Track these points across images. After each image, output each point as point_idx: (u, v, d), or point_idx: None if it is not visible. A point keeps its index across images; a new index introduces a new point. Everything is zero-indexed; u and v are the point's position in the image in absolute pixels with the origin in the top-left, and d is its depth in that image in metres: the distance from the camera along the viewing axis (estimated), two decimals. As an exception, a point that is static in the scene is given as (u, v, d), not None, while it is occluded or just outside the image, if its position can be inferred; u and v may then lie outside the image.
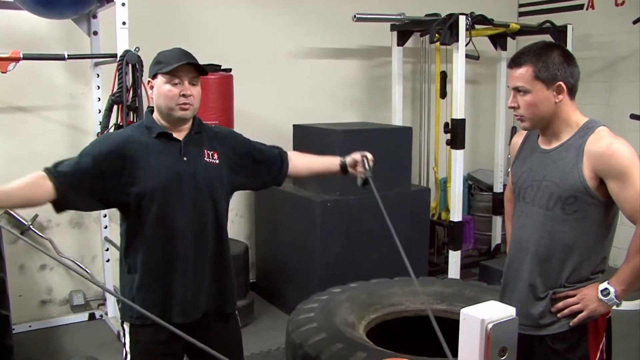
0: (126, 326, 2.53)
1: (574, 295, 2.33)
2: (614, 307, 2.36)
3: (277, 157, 2.77)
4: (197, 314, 2.51)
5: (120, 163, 2.36)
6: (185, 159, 2.46)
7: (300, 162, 2.86)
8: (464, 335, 1.16)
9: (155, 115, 2.50)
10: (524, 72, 2.26)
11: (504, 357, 1.15)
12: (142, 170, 2.38)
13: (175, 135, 2.48)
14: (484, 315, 1.14)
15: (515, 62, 2.30)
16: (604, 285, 2.28)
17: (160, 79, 2.41)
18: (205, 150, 2.53)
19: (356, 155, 2.76)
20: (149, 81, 2.48)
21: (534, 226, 2.38)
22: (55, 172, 2.26)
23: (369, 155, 2.77)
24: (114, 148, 2.38)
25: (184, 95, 2.40)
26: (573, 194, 2.26)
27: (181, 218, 2.44)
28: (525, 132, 2.51)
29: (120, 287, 2.58)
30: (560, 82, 2.26)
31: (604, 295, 2.27)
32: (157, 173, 2.40)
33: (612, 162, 2.19)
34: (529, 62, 2.25)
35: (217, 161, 2.55)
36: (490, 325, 1.13)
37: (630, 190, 2.18)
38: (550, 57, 2.26)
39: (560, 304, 2.34)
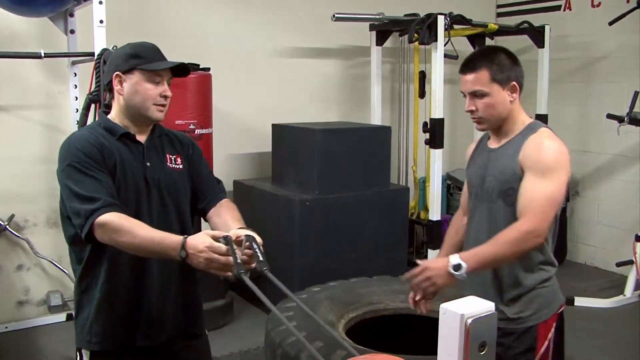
0: (85, 354, 2.33)
1: (422, 272, 2.29)
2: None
3: (216, 188, 2.50)
4: (163, 335, 2.33)
5: (104, 161, 2.19)
6: (148, 164, 2.29)
7: (222, 216, 2.40)
8: (443, 330, 1.16)
9: (115, 115, 2.30)
10: (480, 76, 2.33)
11: (483, 352, 1.16)
12: (115, 176, 2.21)
13: (137, 137, 2.31)
14: (463, 310, 1.15)
15: (469, 67, 2.37)
16: (457, 260, 2.22)
17: (138, 75, 2.22)
18: (168, 155, 2.37)
19: (239, 232, 2.10)
20: (117, 74, 2.24)
21: (484, 220, 2.45)
22: (103, 206, 2.06)
23: (258, 238, 2.06)
24: (97, 147, 2.18)
25: (164, 97, 2.26)
26: (511, 186, 2.33)
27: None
28: (477, 139, 2.61)
29: (76, 309, 2.35)
30: (514, 82, 2.36)
31: (455, 270, 2.21)
32: (128, 179, 2.24)
33: (536, 155, 2.28)
34: (484, 66, 2.33)
35: (181, 166, 2.40)
36: (469, 320, 1.14)
37: (538, 186, 2.25)
38: (501, 59, 2.36)
39: (412, 284, 2.35)
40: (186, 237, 1.99)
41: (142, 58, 2.23)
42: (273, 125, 5.24)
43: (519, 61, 2.42)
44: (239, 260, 1.90)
